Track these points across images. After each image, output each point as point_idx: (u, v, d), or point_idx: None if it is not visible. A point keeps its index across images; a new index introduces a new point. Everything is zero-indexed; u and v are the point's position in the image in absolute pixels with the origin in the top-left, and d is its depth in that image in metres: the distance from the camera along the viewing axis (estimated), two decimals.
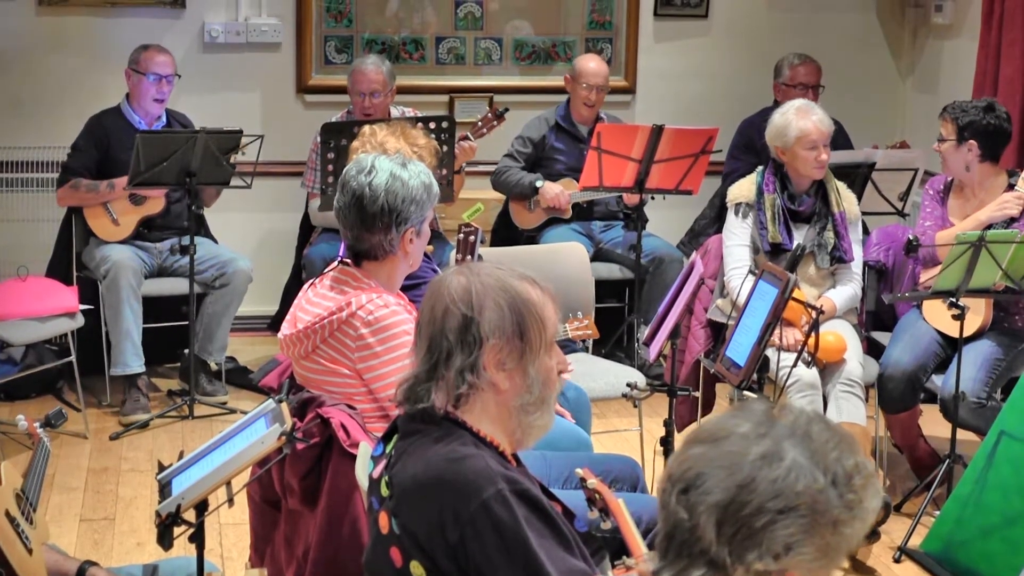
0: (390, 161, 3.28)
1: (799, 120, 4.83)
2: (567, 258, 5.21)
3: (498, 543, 2.19)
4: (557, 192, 6.24)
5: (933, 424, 5.10)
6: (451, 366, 2.31)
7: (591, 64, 6.36)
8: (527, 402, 2.35)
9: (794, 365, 4.07)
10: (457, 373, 2.31)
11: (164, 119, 6.02)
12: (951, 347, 4.72)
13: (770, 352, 3.91)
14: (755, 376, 3.73)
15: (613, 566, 2.55)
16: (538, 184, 6.28)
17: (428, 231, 3.37)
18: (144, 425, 5.58)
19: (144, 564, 3.12)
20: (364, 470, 2.66)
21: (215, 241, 6.21)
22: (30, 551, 2.74)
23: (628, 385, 4.08)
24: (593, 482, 2.65)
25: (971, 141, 4.82)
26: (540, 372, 2.35)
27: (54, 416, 3.14)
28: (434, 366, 2.33)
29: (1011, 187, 4.83)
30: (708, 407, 5.02)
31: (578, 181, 6.06)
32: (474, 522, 2.20)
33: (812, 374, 4.56)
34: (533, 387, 2.34)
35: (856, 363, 4.71)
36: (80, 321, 5.54)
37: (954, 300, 4.42)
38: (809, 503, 1.58)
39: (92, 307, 5.71)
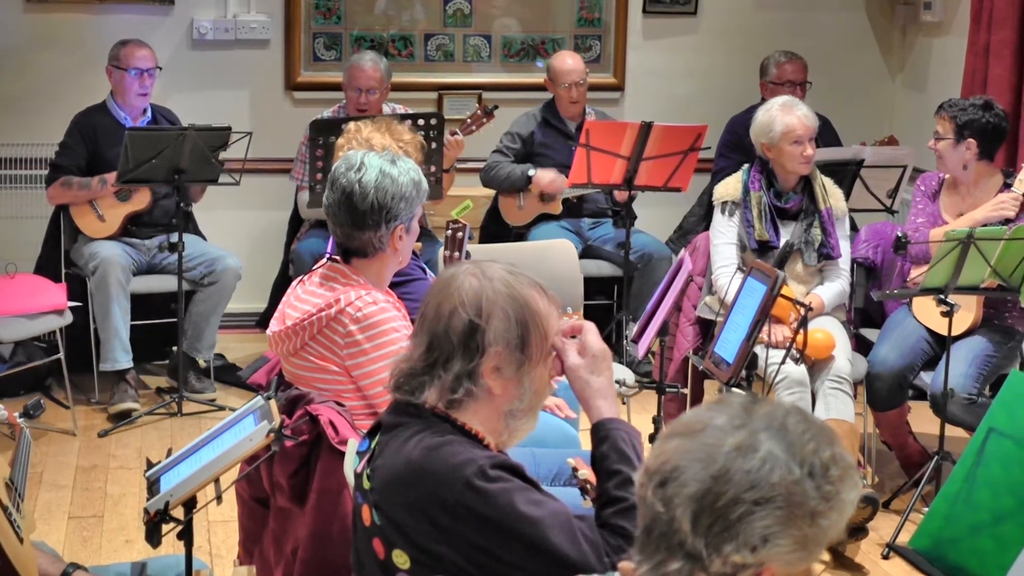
0: (379, 158, 3.28)
1: (784, 116, 4.83)
2: (556, 255, 5.20)
3: (489, 515, 2.20)
4: (552, 177, 6.23)
5: (923, 421, 5.10)
6: (450, 369, 2.29)
7: (568, 62, 6.34)
8: (516, 408, 2.34)
9: (782, 362, 4.08)
10: (455, 378, 2.29)
11: (149, 114, 6.02)
12: (940, 345, 4.72)
13: (758, 349, 3.91)
14: (743, 373, 3.73)
15: None
16: (531, 173, 6.27)
17: (417, 228, 3.37)
18: (132, 418, 5.57)
19: (133, 562, 3.11)
20: (352, 467, 2.66)
21: (204, 238, 6.20)
22: (21, 540, 2.74)
23: (617, 382, 4.06)
24: (585, 472, 2.64)
25: (970, 139, 4.80)
26: (534, 382, 2.34)
27: (32, 407, 3.14)
28: (432, 364, 2.32)
29: (1007, 187, 4.82)
30: (696, 404, 5.00)
31: (567, 177, 6.06)
32: (462, 502, 2.21)
33: (800, 371, 4.56)
34: (524, 396, 2.34)
35: (845, 360, 4.72)
36: (69, 318, 5.52)
37: (943, 297, 4.42)
38: (785, 495, 1.57)
39: (81, 304, 5.70)
